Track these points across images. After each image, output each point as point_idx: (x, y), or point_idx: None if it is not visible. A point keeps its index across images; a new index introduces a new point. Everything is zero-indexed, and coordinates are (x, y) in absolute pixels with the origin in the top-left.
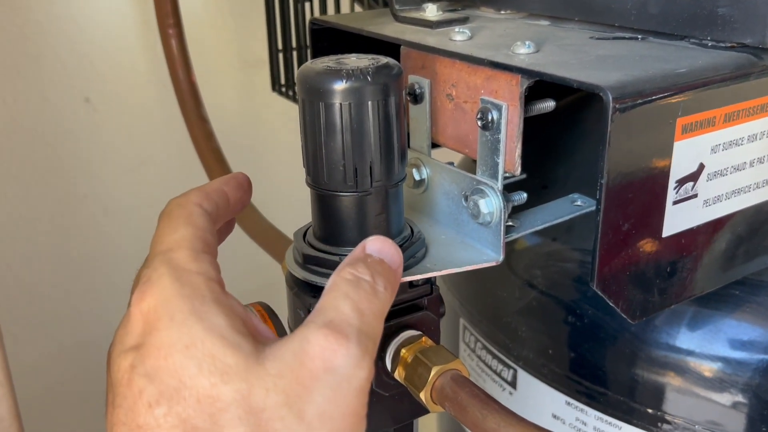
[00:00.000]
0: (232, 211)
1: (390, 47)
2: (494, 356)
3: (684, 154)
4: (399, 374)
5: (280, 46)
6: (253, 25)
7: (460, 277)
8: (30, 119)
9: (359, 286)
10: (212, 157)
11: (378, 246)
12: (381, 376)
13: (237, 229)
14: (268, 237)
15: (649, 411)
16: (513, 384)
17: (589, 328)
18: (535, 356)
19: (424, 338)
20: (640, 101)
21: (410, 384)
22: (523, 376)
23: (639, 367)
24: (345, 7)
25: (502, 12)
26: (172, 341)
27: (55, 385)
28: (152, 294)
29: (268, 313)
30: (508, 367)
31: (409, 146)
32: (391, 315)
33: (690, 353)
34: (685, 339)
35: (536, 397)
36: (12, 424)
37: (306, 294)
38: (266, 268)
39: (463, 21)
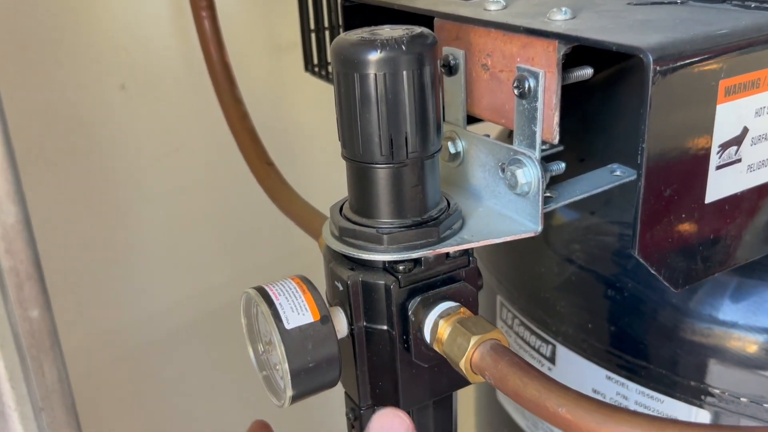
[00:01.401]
0: None
1: (423, 20)
2: (532, 332)
3: (727, 118)
4: (438, 345)
5: (312, 26)
6: (282, 8)
7: (497, 254)
8: (67, 107)
9: None
10: (247, 137)
11: (388, 422)
12: (420, 347)
13: (275, 211)
14: (304, 215)
15: (692, 384)
16: (552, 360)
17: (630, 302)
18: (575, 331)
19: (462, 309)
20: (681, 63)
21: (449, 355)
22: (562, 352)
23: (681, 340)
24: None
25: None
26: None
27: (91, 371)
28: None
29: (306, 284)
30: (547, 342)
31: (444, 119)
32: (429, 287)
33: (734, 325)
34: (729, 311)
35: (576, 373)
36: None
37: (343, 266)
38: (302, 252)
39: None
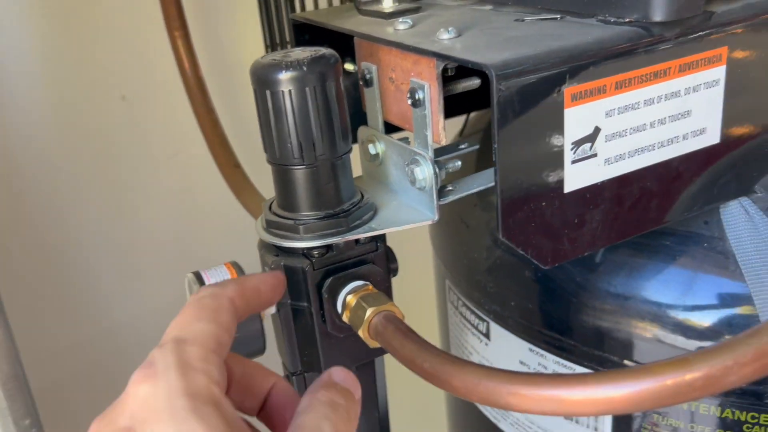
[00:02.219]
0: (258, 309)
1: (351, 39)
2: (471, 311)
3: (576, 119)
4: (345, 317)
5: (268, 41)
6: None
7: (446, 243)
8: (76, 118)
9: (336, 409)
10: (216, 141)
11: (342, 376)
12: (333, 320)
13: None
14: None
15: (596, 353)
16: (487, 335)
17: (542, 281)
18: (501, 309)
19: (369, 287)
20: (523, 76)
21: (353, 324)
22: (495, 328)
23: (583, 313)
24: (336, 0)
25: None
26: None
27: (85, 366)
28: (156, 383)
29: (235, 269)
30: (482, 320)
31: (367, 124)
32: (340, 269)
33: (628, 298)
34: (625, 286)
35: (506, 346)
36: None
37: (270, 253)
38: None
39: (414, 11)
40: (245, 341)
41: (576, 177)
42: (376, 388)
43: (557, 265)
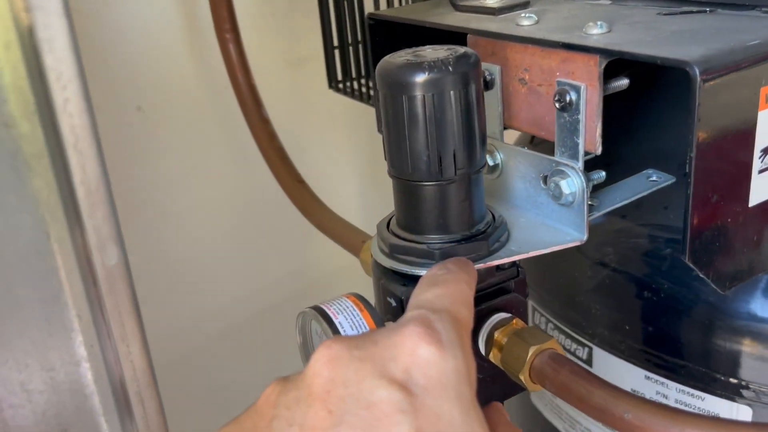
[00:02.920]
0: None
1: (449, 37)
2: (567, 335)
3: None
4: (494, 356)
5: (335, 42)
6: (296, 24)
7: (526, 261)
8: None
9: (447, 278)
10: (277, 157)
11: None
12: (475, 359)
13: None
14: (340, 231)
15: (731, 380)
16: (589, 362)
17: (665, 302)
18: (611, 333)
19: (515, 320)
20: (725, 73)
21: (507, 365)
22: (599, 354)
23: (717, 337)
24: (397, 1)
25: None
26: (453, 423)
27: None
28: (443, 355)
29: (362, 302)
30: (583, 345)
31: None
32: (481, 299)
33: (765, 321)
34: (762, 306)
35: (614, 374)
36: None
37: (395, 282)
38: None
39: (524, 5)
40: None
41: (761, 189)
42: None
43: (685, 286)
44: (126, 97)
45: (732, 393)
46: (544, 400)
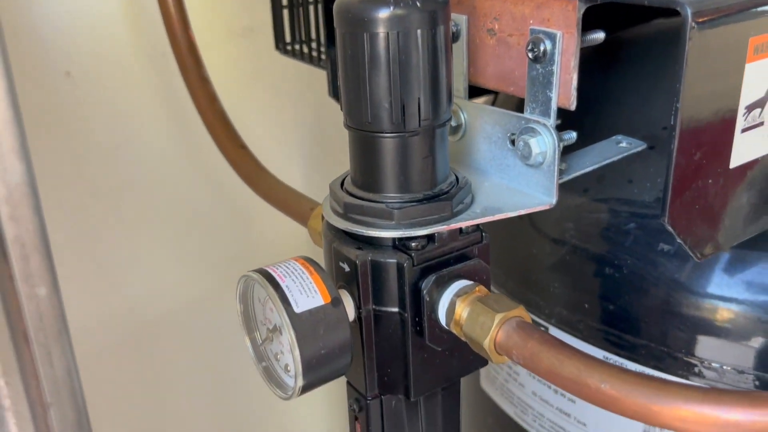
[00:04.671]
0: None
1: None
2: None
3: (754, 78)
4: (455, 327)
5: (284, 1)
6: None
7: None
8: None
9: None
10: (218, 120)
11: None
12: (434, 330)
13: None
14: (288, 199)
15: (692, 360)
16: None
17: (626, 279)
18: (569, 312)
19: (478, 287)
20: (716, 16)
21: (470, 335)
22: (556, 334)
23: (678, 315)
24: None
25: None
26: None
27: None
28: None
29: (312, 265)
30: (539, 326)
31: None
32: (443, 265)
33: (726, 299)
34: (721, 284)
35: None
36: None
37: (349, 245)
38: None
39: None
40: (331, 357)
41: (743, 149)
42: (458, 412)
43: (649, 263)
44: (53, 61)
45: (693, 373)
46: (495, 385)
